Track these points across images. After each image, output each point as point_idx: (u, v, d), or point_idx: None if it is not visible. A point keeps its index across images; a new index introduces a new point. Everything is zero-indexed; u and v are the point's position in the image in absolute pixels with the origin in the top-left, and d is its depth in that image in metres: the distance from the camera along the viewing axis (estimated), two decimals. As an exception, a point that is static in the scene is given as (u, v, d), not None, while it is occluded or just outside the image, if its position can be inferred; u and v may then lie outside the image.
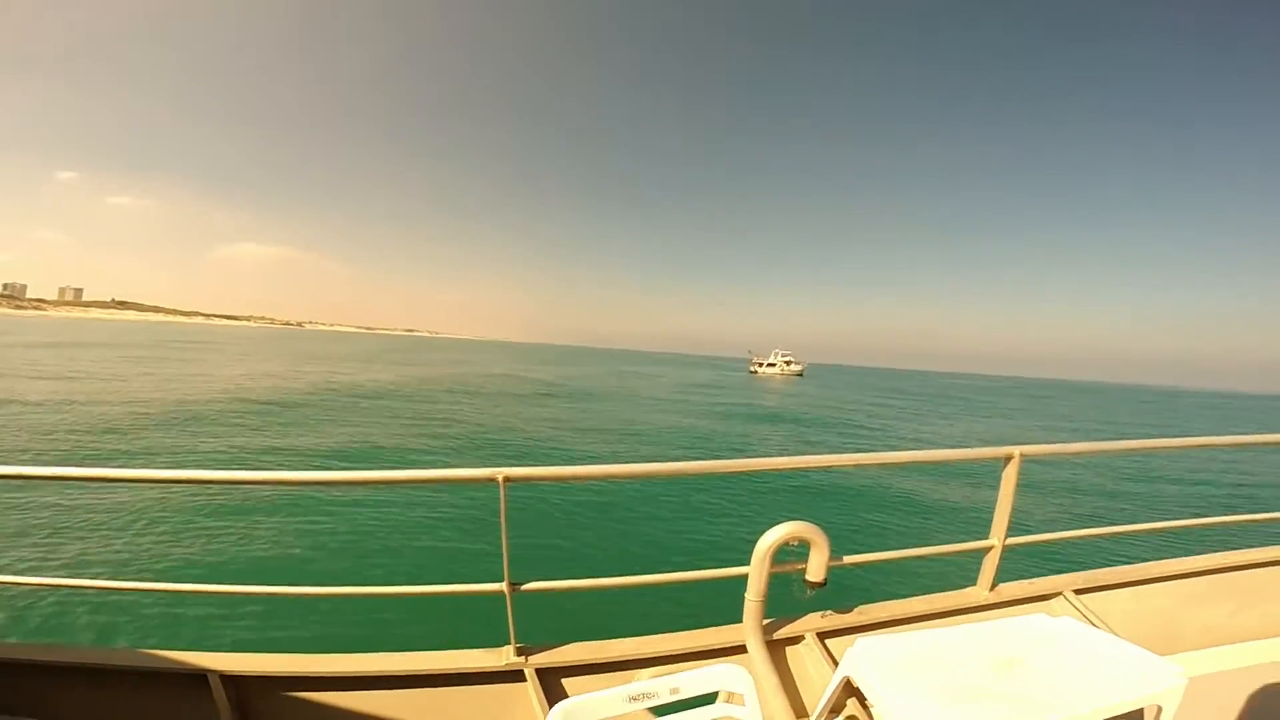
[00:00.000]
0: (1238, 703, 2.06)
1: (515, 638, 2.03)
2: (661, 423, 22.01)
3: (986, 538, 2.46)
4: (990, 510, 2.45)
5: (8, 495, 7.82)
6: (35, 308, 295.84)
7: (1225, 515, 2.90)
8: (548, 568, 6.67)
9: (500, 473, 1.81)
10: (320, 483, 1.97)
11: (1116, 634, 1.50)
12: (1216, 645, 2.50)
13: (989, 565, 2.47)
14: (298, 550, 7.10)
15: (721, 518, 8.68)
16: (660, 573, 2.15)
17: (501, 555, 1.93)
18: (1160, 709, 1.26)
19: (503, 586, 1.95)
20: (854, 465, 2.37)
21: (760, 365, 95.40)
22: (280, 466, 12.00)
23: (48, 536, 6.96)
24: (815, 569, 2.10)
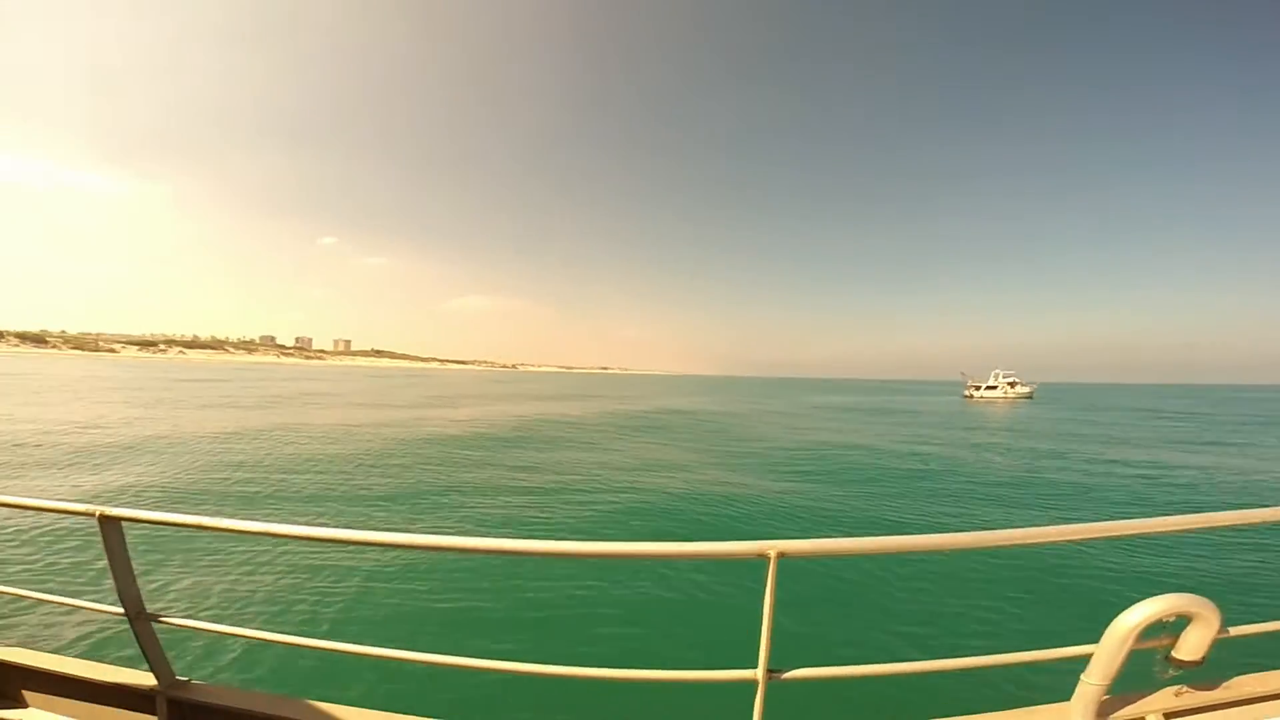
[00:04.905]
0: None
1: None
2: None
3: None
4: None
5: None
6: (318, 357, 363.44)
7: None
8: (806, 654, 5.81)
9: (773, 547, 1.65)
10: (574, 554, 1.74)
11: None
12: None
13: None
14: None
15: (1018, 594, 7.46)
16: (955, 656, 1.84)
17: (760, 638, 1.72)
18: None
19: (756, 674, 1.74)
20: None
21: (977, 389, 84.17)
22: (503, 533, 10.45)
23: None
24: (1192, 646, 1.74)
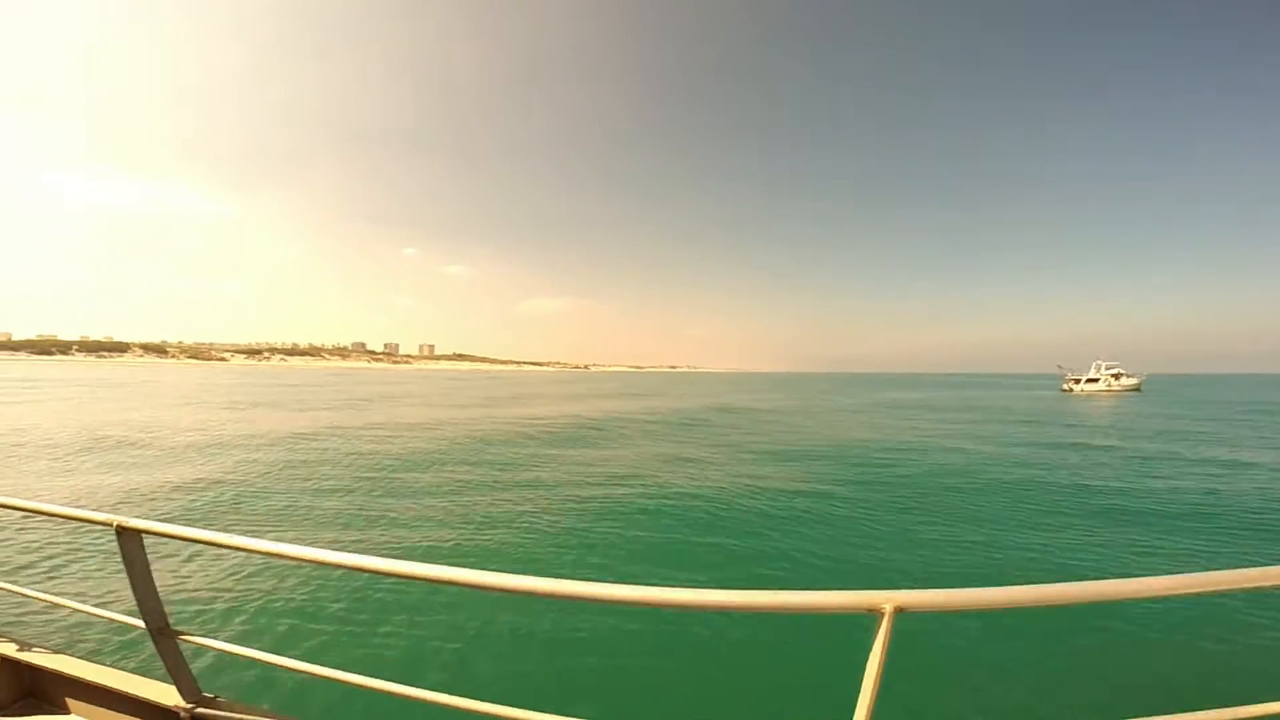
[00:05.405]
0: None
1: None
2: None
3: None
4: None
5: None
6: (405, 361, 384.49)
7: None
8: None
9: (889, 599, 1.35)
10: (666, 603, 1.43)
11: None
12: None
13: None
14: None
15: (1185, 648, 6.25)
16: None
17: (859, 703, 1.37)
18: None
19: None
20: None
21: (1077, 382, 78.06)
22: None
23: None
24: None
